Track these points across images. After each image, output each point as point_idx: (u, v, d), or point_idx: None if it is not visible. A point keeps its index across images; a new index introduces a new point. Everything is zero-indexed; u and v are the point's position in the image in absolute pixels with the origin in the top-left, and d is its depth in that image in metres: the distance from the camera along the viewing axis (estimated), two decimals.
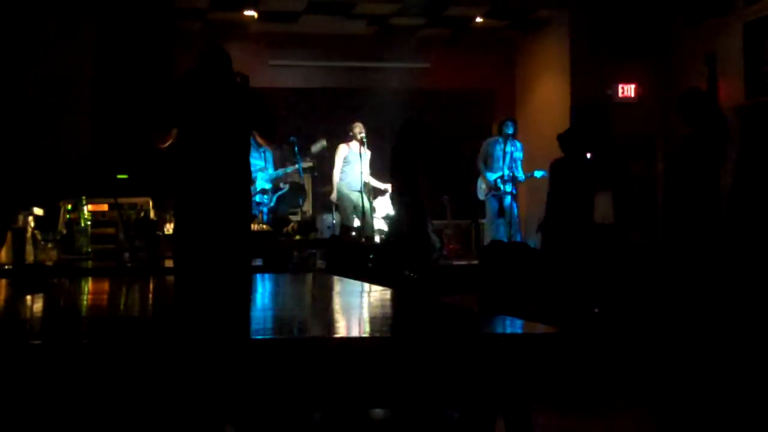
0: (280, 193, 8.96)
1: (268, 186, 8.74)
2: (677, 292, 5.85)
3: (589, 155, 9.16)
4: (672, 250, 6.23)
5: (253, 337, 1.88)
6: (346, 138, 9.20)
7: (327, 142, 9.14)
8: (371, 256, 7.33)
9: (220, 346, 1.71)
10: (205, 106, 4.47)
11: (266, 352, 1.70)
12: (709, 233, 5.88)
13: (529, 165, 9.97)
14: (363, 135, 9.03)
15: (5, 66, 7.73)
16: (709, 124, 6.02)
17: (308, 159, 9.01)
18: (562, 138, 7.37)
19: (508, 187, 9.35)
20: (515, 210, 9.50)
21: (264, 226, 8.08)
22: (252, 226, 8.01)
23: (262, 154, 8.56)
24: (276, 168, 8.92)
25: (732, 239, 5.80)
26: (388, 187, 9.19)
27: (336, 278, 3.56)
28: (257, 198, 8.49)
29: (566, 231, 7.12)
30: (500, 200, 9.42)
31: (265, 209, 8.66)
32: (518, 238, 10.12)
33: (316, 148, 9.09)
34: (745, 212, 5.79)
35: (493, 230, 9.47)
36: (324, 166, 9.33)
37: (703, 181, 6.00)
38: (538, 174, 9.24)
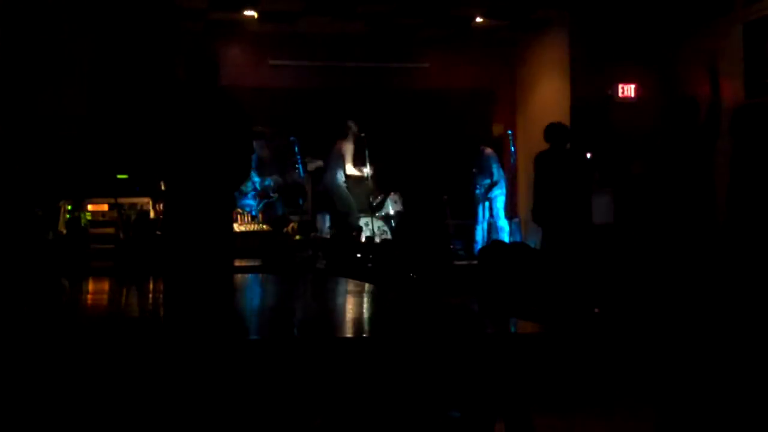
0: (267, 201, 9.00)
1: (252, 192, 8.80)
2: (677, 291, 5.85)
3: (588, 155, 9.22)
4: (668, 250, 6.25)
5: (251, 337, 1.88)
6: (344, 136, 9.25)
7: (326, 143, 9.22)
8: (371, 256, 7.33)
9: (207, 345, 1.71)
10: (192, 113, 4.46)
11: (266, 352, 1.70)
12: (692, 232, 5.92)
13: (529, 165, 9.96)
14: (362, 134, 9.11)
15: (6, 66, 7.73)
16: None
17: (312, 159, 9.10)
18: (546, 130, 7.72)
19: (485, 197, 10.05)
20: (495, 212, 9.96)
21: (264, 226, 8.10)
22: (253, 226, 8.03)
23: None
24: (260, 172, 8.97)
25: (730, 238, 5.80)
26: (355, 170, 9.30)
27: (336, 279, 3.56)
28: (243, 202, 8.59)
29: (561, 226, 7.33)
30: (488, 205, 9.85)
31: (253, 210, 8.68)
32: (518, 238, 10.16)
33: (311, 167, 9.20)
34: (743, 211, 5.79)
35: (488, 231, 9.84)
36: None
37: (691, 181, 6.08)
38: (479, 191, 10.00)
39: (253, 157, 8.66)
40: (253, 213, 8.70)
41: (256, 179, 8.94)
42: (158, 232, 4.75)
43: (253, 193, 8.86)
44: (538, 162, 7.68)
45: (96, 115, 8.49)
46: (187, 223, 4.36)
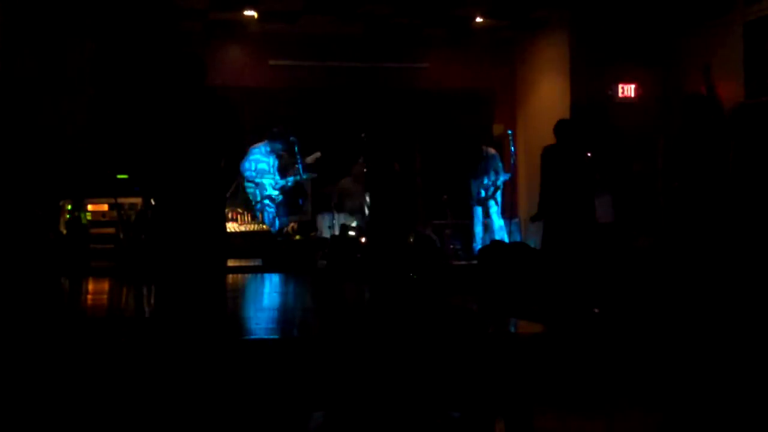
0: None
1: (274, 193, 8.79)
2: (677, 291, 5.86)
3: (588, 155, 9.21)
4: (673, 249, 6.25)
5: (252, 337, 1.88)
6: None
7: (321, 153, 9.25)
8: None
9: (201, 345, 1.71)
10: (179, 113, 4.46)
11: (267, 352, 1.70)
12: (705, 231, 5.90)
13: (529, 164, 9.97)
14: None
15: (5, 66, 7.73)
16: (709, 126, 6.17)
17: (310, 167, 9.13)
18: (556, 125, 7.71)
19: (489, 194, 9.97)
20: (492, 215, 9.89)
21: (264, 227, 8.10)
22: (253, 227, 8.04)
23: (269, 161, 8.72)
24: (281, 174, 8.97)
25: (730, 238, 5.80)
26: None
27: (336, 279, 3.56)
28: (264, 203, 8.60)
29: (565, 223, 7.35)
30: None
31: (271, 214, 8.70)
32: (518, 238, 10.16)
33: (310, 159, 9.21)
34: (743, 211, 5.79)
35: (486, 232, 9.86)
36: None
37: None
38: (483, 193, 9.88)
39: (271, 160, 8.76)
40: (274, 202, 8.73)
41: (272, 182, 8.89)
42: (143, 236, 4.74)
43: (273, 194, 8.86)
44: (545, 156, 7.68)
45: (97, 115, 8.49)
46: (176, 224, 4.35)
